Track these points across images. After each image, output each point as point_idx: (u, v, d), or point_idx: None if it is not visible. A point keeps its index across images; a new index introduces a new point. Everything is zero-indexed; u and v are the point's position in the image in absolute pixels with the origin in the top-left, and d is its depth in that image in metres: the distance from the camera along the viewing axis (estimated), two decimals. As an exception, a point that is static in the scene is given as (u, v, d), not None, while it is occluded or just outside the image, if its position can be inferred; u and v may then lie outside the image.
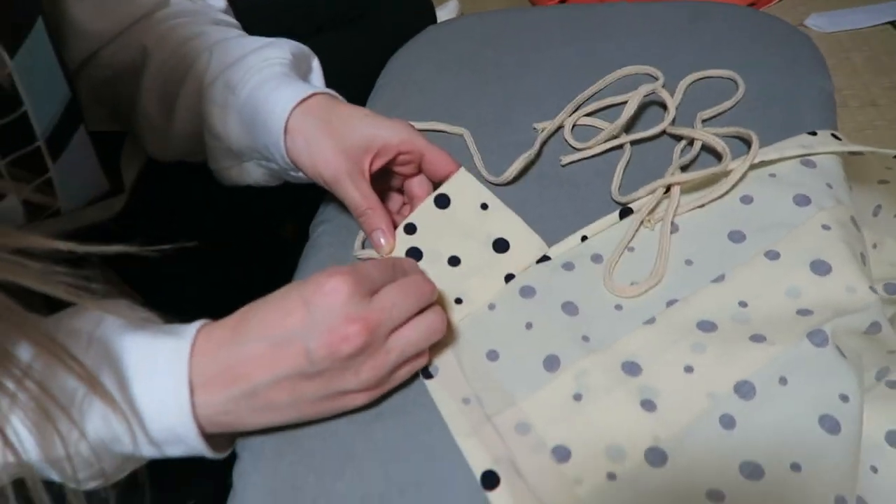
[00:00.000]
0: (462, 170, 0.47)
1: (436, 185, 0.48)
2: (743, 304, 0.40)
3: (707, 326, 0.39)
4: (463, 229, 0.46)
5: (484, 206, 0.47)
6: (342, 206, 0.49)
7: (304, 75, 0.53)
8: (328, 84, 0.57)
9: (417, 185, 0.48)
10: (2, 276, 0.30)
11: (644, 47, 0.59)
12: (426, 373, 0.40)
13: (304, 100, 0.45)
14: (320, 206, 0.54)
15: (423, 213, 0.46)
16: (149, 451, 0.36)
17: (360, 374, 0.35)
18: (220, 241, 0.65)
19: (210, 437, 0.37)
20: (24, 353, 0.32)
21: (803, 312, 0.38)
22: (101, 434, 0.35)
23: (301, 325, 0.35)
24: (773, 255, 0.42)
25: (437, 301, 0.40)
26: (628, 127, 0.52)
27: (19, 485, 0.34)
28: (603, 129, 0.52)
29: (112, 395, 0.34)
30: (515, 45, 0.63)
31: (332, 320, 0.34)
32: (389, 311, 0.35)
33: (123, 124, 0.59)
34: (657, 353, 0.39)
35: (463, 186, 0.47)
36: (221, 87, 0.48)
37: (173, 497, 0.45)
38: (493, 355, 0.40)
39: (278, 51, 0.49)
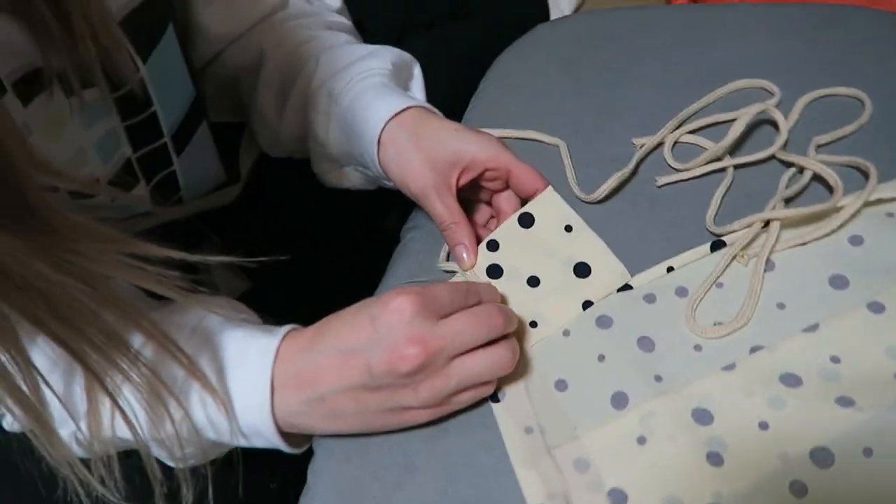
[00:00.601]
0: (549, 189, 0.47)
1: (523, 201, 0.48)
2: (835, 360, 0.37)
3: (791, 380, 0.37)
4: (545, 250, 0.46)
5: (568, 228, 0.46)
6: (433, 214, 0.50)
7: (405, 83, 0.54)
8: (437, 79, 0.59)
9: (505, 200, 0.48)
10: (123, 278, 0.34)
11: (764, 55, 0.54)
12: (493, 396, 0.41)
13: (398, 113, 0.46)
14: (413, 210, 0.56)
15: (507, 230, 0.47)
16: (239, 441, 0.40)
17: (419, 392, 0.37)
18: (325, 232, 0.69)
19: (288, 434, 0.40)
20: (136, 340, 0.36)
21: (903, 378, 0.35)
22: (199, 419, 0.39)
23: (366, 341, 0.37)
24: (876, 308, 0.38)
25: (514, 332, 0.40)
26: (734, 148, 0.49)
27: (125, 455, 0.40)
28: (706, 149, 0.49)
29: (212, 384, 0.38)
30: (624, 48, 0.60)
31: (393, 338, 0.36)
32: (454, 337, 0.36)
33: (244, 117, 0.63)
34: (732, 402, 0.37)
35: (549, 206, 0.46)
36: (325, 95, 0.50)
37: (259, 479, 0.50)
38: (561, 385, 0.41)
39: (379, 61, 0.50)
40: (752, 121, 0.48)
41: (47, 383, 0.34)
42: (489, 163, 0.46)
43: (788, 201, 0.45)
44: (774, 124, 0.49)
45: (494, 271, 0.46)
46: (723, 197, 0.47)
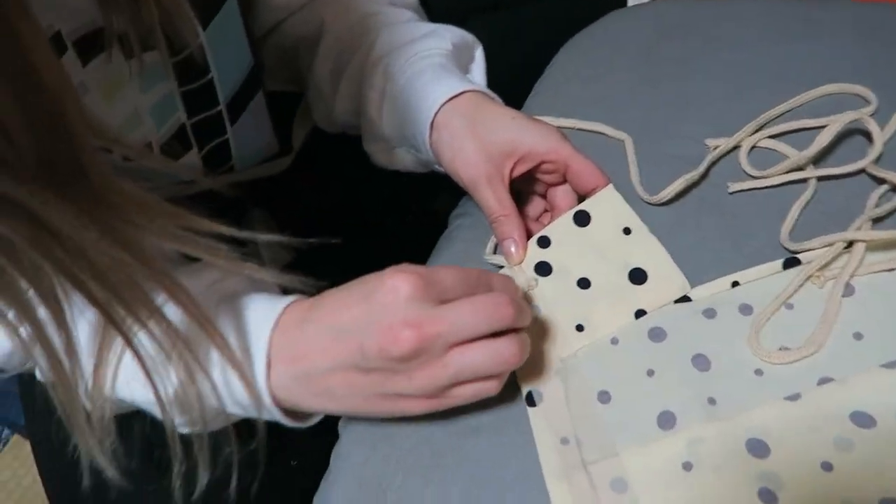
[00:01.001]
0: (610, 187, 0.44)
1: (581, 197, 0.45)
2: (916, 402, 0.33)
3: (862, 420, 0.33)
4: (599, 251, 0.43)
5: (627, 231, 0.43)
6: (483, 202, 0.48)
7: (466, 65, 0.52)
8: (501, 62, 0.56)
9: (561, 195, 0.46)
10: (177, 248, 0.33)
11: (861, 58, 0.50)
12: (530, 399, 0.39)
13: (454, 96, 0.44)
14: (463, 196, 0.54)
15: (560, 227, 0.44)
16: (235, 410, 0.38)
17: (412, 379, 0.34)
18: (374, 210, 0.67)
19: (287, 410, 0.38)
20: (169, 309, 0.35)
21: None
22: (204, 386, 0.37)
23: (359, 319, 0.34)
24: (971, 349, 0.34)
25: (526, 328, 0.36)
26: (818, 158, 0.45)
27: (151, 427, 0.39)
28: (787, 157, 0.45)
29: (234, 350, 0.36)
30: (704, 41, 0.56)
31: (388, 319, 0.33)
32: (452, 324, 0.33)
33: (301, 88, 0.62)
34: (793, 437, 0.34)
35: (607, 205, 0.43)
36: (381, 72, 0.49)
37: (279, 455, 0.49)
38: (604, 397, 0.38)
39: (439, 41, 0.48)
40: (843, 130, 0.44)
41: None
42: (547, 155, 0.43)
43: (877, 221, 0.41)
44: (868, 135, 0.44)
45: (543, 269, 0.43)
46: (801, 210, 0.43)
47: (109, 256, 0.30)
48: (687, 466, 0.34)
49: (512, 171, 0.44)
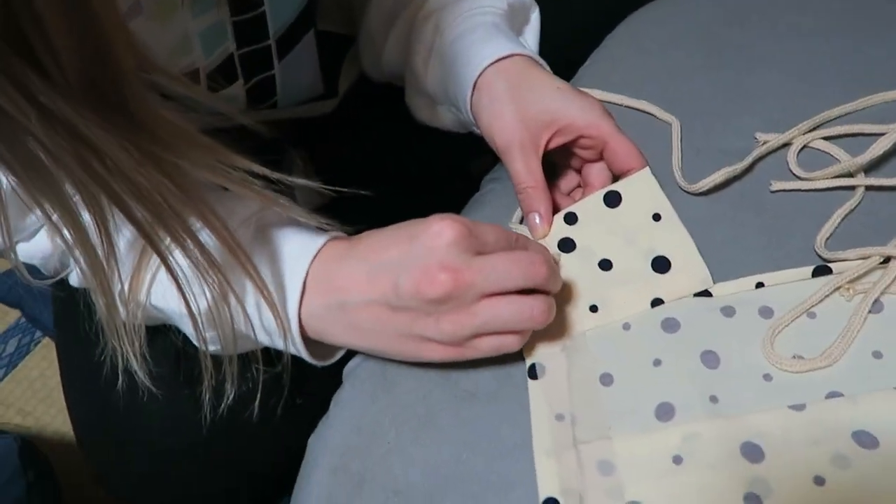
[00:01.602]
0: (646, 170, 0.43)
1: (616, 177, 0.44)
2: (925, 431, 0.32)
3: (865, 439, 0.33)
4: (626, 235, 0.42)
5: (657, 217, 0.42)
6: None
7: (520, 27, 0.50)
8: (557, 32, 0.54)
9: (596, 172, 0.45)
10: (213, 181, 0.34)
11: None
12: (532, 371, 0.39)
13: (501, 58, 0.43)
14: (499, 161, 0.53)
15: (589, 205, 0.43)
16: (261, 336, 0.40)
17: (440, 323, 0.35)
18: (409, 164, 0.67)
19: (309, 343, 0.39)
20: (195, 223, 0.36)
21: None
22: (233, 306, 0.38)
23: (399, 258, 0.35)
24: None
25: (555, 293, 0.37)
26: (871, 166, 0.43)
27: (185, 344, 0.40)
28: (838, 161, 0.43)
29: (265, 277, 0.37)
30: (773, 28, 0.54)
31: (426, 261, 0.34)
32: (487, 274, 0.34)
33: (353, 31, 0.62)
34: (790, 446, 0.33)
35: (641, 188, 0.42)
36: (432, 26, 0.48)
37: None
38: (606, 379, 0.38)
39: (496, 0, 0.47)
40: (902, 139, 0.42)
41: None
42: (586, 129, 0.42)
43: (920, 240, 0.39)
44: (929, 148, 0.42)
45: (566, 245, 0.43)
46: (843, 219, 0.41)
47: (149, 179, 0.31)
48: (677, 460, 0.34)
49: (548, 142, 0.43)
